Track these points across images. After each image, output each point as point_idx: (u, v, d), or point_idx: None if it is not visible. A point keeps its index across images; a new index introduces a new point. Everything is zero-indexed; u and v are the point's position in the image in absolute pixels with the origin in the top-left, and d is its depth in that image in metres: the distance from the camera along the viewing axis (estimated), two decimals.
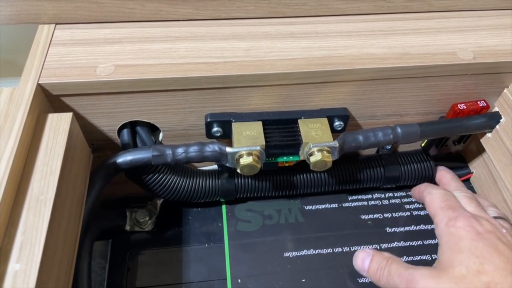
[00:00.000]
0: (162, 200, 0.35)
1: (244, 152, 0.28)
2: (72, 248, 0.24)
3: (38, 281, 0.19)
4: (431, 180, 0.35)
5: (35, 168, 0.23)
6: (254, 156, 0.28)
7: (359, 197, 0.36)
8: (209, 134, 0.30)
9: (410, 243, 0.33)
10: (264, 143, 0.28)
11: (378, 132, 0.29)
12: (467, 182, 0.37)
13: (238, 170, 0.28)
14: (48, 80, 0.26)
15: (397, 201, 0.36)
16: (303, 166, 0.33)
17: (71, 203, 0.24)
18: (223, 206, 0.35)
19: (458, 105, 0.31)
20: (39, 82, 0.26)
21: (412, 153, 0.35)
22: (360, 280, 0.31)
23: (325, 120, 0.30)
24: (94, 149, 0.31)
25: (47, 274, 0.20)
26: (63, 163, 0.23)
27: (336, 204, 0.35)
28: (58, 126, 0.25)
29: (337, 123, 0.31)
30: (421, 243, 0.33)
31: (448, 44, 0.30)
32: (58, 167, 0.23)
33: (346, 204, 0.35)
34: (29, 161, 0.23)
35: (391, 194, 0.36)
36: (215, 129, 0.30)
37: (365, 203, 0.36)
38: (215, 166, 0.34)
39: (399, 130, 0.29)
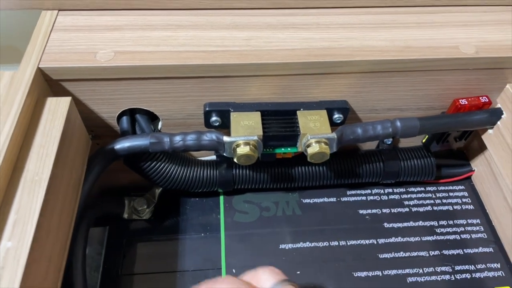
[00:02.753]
0: (160, 189, 0.35)
1: (241, 142, 0.28)
2: (66, 230, 0.24)
3: (29, 259, 0.19)
4: (431, 176, 0.35)
5: (32, 150, 0.23)
6: (251, 146, 0.28)
7: (358, 192, 0.36)
8: (208, 124, 0.31)
9: (408, 239, 0.33)
10: (261, 133, 0.28)
11: (377, 125, 0.29)
12: (468, 180, 0.37)
13: (235, 160, 0.28)
14: (48, 64, 0.26)
15: (396, 197, 0.35)
16: (302, 159, 0.33)
17: (67, 186, 0.24)
18: (221, 197, 0.35)
19: (460, 100, 0.31)
20: (40, 66, 0.26)
21: (412, 149, 0.35)
22: (356, 274, 0.31)
23: (324, 112, 0.30)
24: (93, 136, 0.31)
25: (39, 253, 0.20)
26: (59, 146, 0.23)
27: (334, 198, 0.35)
28: (56, 109, 0.25)
29: (336, 115, 0.31)
30: (419, 239, 0.33)
31: (451, 38, 0.30)
32: (54, 149, 0.23)
33: (345, 199, 0.35)
34: (26, 143, 0.23)
35: (390, 190, 0.36)
36: (213, 118, 0.30)
37: (364, 198, 0.35)
38: (213, 157, 0.34)
39: (398, 124, 0.29)
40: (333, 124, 0.31)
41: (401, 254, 0.32)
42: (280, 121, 0.30)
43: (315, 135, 0.28)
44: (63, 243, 0.23)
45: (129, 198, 0.34)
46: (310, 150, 0.28)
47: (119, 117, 0.31)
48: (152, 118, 0.32)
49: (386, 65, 0.28)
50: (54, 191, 0.22)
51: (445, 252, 0.32)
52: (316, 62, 0.27)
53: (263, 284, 0.23)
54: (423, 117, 0.30)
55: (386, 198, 0.35)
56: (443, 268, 0.31)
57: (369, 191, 0.36)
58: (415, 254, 0.32)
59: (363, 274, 0.31)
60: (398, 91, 0.31)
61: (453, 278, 0.31)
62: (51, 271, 0.21)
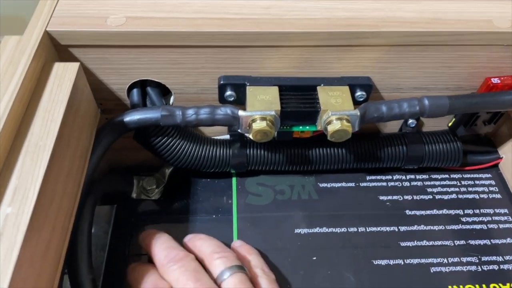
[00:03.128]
0: (171, 169, 0.33)
1: (257, 116, 0.26)
2: (71, 202, 0.23)
3: (30, 226, 0.18)
4: (457, 163, 0.33)
5: (37, 114, 0.21)
6: (268, 121, 0.26)
7: (378, 177, 0.34)
8: (222, 98, 0.29)
9: (432, 227, 0.31)
10: (279, 108, 0.27)
11: (403, 103, 0.27)
12: (495, 168, 0.35)
13: (250, 136, 0.27)
14: (56, 28, 0.25)
15: (419, 183, 0.33)
16: (320, 140, 0.31)
17: (73, 156, 0.23)
18: (233, 179, 0.33)
19: (492, 79, 0.29)
20: (47, 29, 0.24)
21: (438, 132, 0.33)
22: (376, 262, 0.29)
23: (346, 89, 0.28)
24: (103, 110, 0.30)
25: (40, 222, 0.19)
26: (66, 112, 0.22)
27: (353, 183, 0.33)
28: (64, 75, 0.24)
29: (359, 93, 0.29)
30: (443, 228, 0.31)
31: (484, 12, 0.28)
32: (60, 114, 0.21)
33: (364, 184, 0.33)
34: (31, 106, 0.22)
35: (412, 176, 0.34)
36: (228, 93, 0.28)
37: (384, 183, 0.33)
38: (227, 136, 0.33)
39: (426, 102, 0.27)
40: (354, 103, 0.29)
41: (424, 242, 0.30)
42: (299, 96, 0.28)
43: (336, 112, 0.27)
44: (68, 214, 0.22)
45: (138, 177, 0.33)
46: (330, 128, 0.27)
47: (129, 89, 0.29)
48: (164, 92, 0.30)
49: (415, 37, 0.26)
50: (59, 159, 0.21)
51: (471, 242, 0.30)
52: (340, 32, 0.26)
53: (213, 269, 0.24)
54: (453, 96, 0.28)
55: (408, 184, 0.33)
56: (468, 259, 0.29)
57: (389, 176, 0.34)
58: (439, 243, 0.30)
59: (384, 262, 0.29)
60: (427, 67, 0.29)
61: (480, 269, 0.29)
62: (54, 242, 0.20)
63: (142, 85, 0.29)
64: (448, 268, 0.29)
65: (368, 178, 0.34)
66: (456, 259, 0.29)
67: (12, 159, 0.20)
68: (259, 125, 0.26)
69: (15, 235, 0.17)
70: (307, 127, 0.29)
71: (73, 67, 0.24)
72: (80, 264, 0.23)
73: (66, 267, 0.23)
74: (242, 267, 0.25)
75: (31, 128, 0.21)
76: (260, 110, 0.26)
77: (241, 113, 0.27)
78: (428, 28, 0.26)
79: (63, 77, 0.23)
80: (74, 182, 0.23)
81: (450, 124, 0.33)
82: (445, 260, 0.29)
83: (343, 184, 0.33)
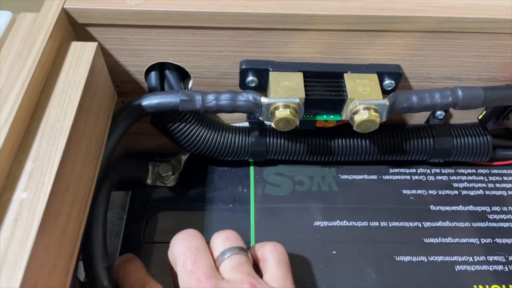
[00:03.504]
0: (187, 156, 0.32)
1: (280, 104, 0.25)
2: (87, 188, 0.22)
3: (46, 213, 0.17)
4: (486, 157, 0.31)
5: (53, 95, 0.21)
6: (291, 109, 0.25)
7: (402, 170, 0.32)
8: (243, 84, 0.28)
9: (457, 224, 0.30)
10: (304, 95, 0.25)
11: (435, 93, 0.26)
12: None
13: (272, 124, 0.26)
14: (74, 5, 0.24)
15: (445, 178, 0.32)
16: (342, 130, 0.30)
17: (89, 140, 0.22)
18: (251, 168, 0.32)
19: None
20: (64, 6, 0.23)
21: (467, 125, 0.31)
22: (398, 258, 0.28)
23: (374, 77, 0.27)
24: (119, 92, 0.29)
25: (57, 208, 0.18)
26: (83, 93, 0.21)
27: (376, 176, 0.32)
28: (81, 54, 0.22)
29: (387, 81, 0.27)
30: (469, 225, 0.30)
31: None
32: (77, 96, 0.20)
33: (387, 177, 0.32)
34: (47, 87, 0.21)
35: (437, 170, 0.32)
36: (250, 78, 0.27)
37: (408, 177, 0.32)
38: (245, 123, 0.31)
39: (460, 92, 0.26)
40: (382, 92, 0.27)
41: (449, 239, 0.29)
42: (324, 84, 0.27)
43: (364, 101, 0.25)
44: (84, 200, 0.21)
45: (154, 163, 0.32)
46: (357, 118, 0.25)
47: (147, 72, 0.28)
48: (183, 76, 0.29)
49: (451, 23, 0.25)
50: (76, 142, 0.20)
51: (498, 240, 0.29)
52: (373, 16, 0.24)
53: (214, 249, 0.23)
54: (488, 87, 0.26)
55: (433, 178, 0.32)
56: (495, 258, 0.28)
57: (414, 170, 0.32)
58: (464, 240, 0.29)
59: (406, 258, 0.28)
60: (461, 56, 0.27)
61: (507, 269, 0.28)
62: (69, 228, 0.19)
63: (160, 68, 0.28)
64: (474, 267, 0.28)
65: (391, 171, 0.32)
66: (482, 258, 0.28)
67: (27, 142, 0.19)
68: (282, 113, 0.25)
69: (30, 222, 0.16)
70: (332, 117, 0.27)
71: (91, 47, 0.23)
72: (95, 252, 0.23)
73: (81, 255, 0.23)
74: (242, 248, 0.23)
75: (47, 109, 0.20)
76: (284, 97, 0.25)
77: (263, 100, 0.25)
78: (465, 14, 0.25)
79: (80, 57, 0.22)
80: (90, 167, 0.22)
81: (480, 117, 0.31)
82: (471, 259, 0.28)
83: (365, 176, 0.32)
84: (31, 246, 0.16)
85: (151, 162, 0.32)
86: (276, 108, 0.25)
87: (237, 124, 0.31)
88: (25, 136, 0.19)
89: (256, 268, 0.23)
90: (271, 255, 0.24)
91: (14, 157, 0.18)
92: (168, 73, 0.28)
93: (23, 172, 0.18)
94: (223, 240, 0.23)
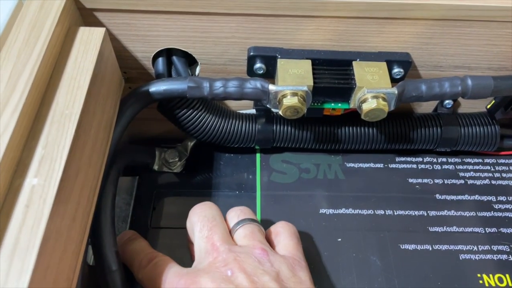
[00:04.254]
0: (193, 142, 0.32)
1: (288, 92, 0.25)
2: (96, 174, 0.22)
3: (57, 199, 0.17)
4: (493, 147, 0.31)
5: (62, 82, 0.20)
6: (299, 97, 0.25)
7: (408, 159, 0.32)
8: (251, 71, 0.28)
9: (462, 213, 0.30)
10: (312, 83, 0.25)
11: (444, 82, 0.26)
12: None
13: (280, 112, 0.25)
14: None
15: (451, 167, 0.32)
16: (349, 118, 0.30)
17: (98, 126, 0.22)
18: (258, 155, 0.32)
19: None
20: None
21: (475, 115, 0.31)
22: (403, 247, 0.28)
23: (383, 65, 0.26)
24: (127, 78, 0.29)
25: (67, 194, 0.18)
26: (91, 80, 0.21)
27: (382, 164, 0.32)
28: (90, 40, 0.22)
29: (396, 70, 0.27)
30: (475, 214, 0.30)
31: None
32: (86, 82, 0.20)
33: (393, 165, 0.32)
34: (55, 73, 0.21)
35: (444, 159, 0.32)
36: (257, 65, 0.27)
37: (414, 166, 0.32)
38: (252, 111, 0.31)
39: (469, 82, 0.26)
40: (391, 80, 0.27)
41: (454, 228, 0.29)
42: (332, 71, 0.26)
43: (372, 89, 0.25)
44: (93, 186, 0.21)
45: (160, 149, 0.32)
46: (365, 106, 0.25)
47: (154, 58, 0.28)
48: (190, 62, 0.29)
49: (462, 11, 0.24)
50: (85, 129, 0.20)
51: (503, 230, 0.29)
52: (383, 3, 0.24)
53: (229, 221, 0.25)
54: (498, 76, 0.26)
55: (439, 167, 0.32)
56: (500, 247, 0.28)
57: (420, 159, 0.32)
58: (469, 229, 0.29)
59: (411, 247, 0.28)
60: (471, 45, 0.27)
61: (511, 259, 0.28)
62: (79, 214, 0.20)
63: (167, 54, 0.28)
64: (478, 256, 0.28)
65: (397, 159, 0.32)
66: (486, 247, 0.28)
67: (37, 128, 0.19)
68: (290, 101, 0.25)
69: (42, 208, 0.17)
70: (340, 105, 0.27)
71: (99, 32, 0.23)
72: (104, 237, 0.23)
73: (90, 240, 0.23)
74: (255, 220, 0.25)
75: (56, 96, 0.20)
76: (292, 85, 0.25)
77: (271, 87, 0.25)
78: (477, 2, 0.24)
79: (88, 43, 0.22)
80: (99, 153, 0.22)
81: (488, 106, 0.31)
82: (475, 248, 0.28)
83: (371, 164, 0.32)
84: (42, 232, 0.16)
85: (158, 148, 0.32)
86: (284, 96, 0.25)
87: (244, 111, 0.31)
88: (34, 123, 0.19)
89: (270, 244, 0.24)
90: (283, 229, 0.25)
91: (25, 144, 0.18)
92: (176, 59, 0.28)
93: (33, 158, 0.18)
94: (237, 213, 0.25)
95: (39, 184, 0.17)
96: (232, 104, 0.31)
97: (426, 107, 0.32)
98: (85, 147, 0.20)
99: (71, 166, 0.19)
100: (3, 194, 0.17)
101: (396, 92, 0.25)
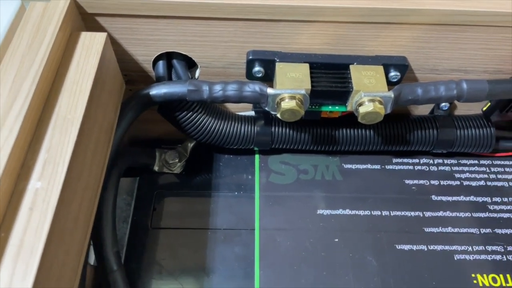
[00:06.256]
0: (193, 143, 0.33)
1: (286, 95, 0.25)
2: (98, 175, 0.23)
3: (60, 202, 0.17)
4: (488, 149, 0.32)
5: (64, 86, 0.21)
6: (297, 101, 0.25)
7: (405, 160, 0.33)
8: (250, 74, 0.28)
9: (458, 214, 0.30)
10: (309, 87, 0.26)
11: (440, 86, 0.26)
12: None
13: (278, 115, 0.26)
14: None
15: (447, 168, 0.33)
16: (347, 120, 0.30)
17: (99, 129, 0.23)
18: (256, 156, 0.33)
19: None
20: None
21: (471, 117, 0.32)
22: (398, 247, 0.29)
23: (380, 68, 0.27)
24: (127, 81, 0.29)
25: (70, 197, 0.19)
26: (93, 84, 0.21)
27: (379, 166, 0.33)
28: (91, 45, 0.23)
29: (393, 73, 0.28)
30: (470, 215, 0.30)
31: None
32: (88, 86, 0.21)
33: (390, 167, 0.32)
34: (58, 78, 0.21)
35: (440, 161, 0.33)
36: (256, 68, 0.27)
37: (411, 167, 0.33)
38: (251, 113, 0.32)
39: (464, 85, 0.26)
40: (388, 83, 0.28)
41: (449, 229, 0.29)
42: (330, 75, 0.27)
43: (369, 93, 0.26)
44: (95, 188, 0.22)
45: (160, 150, 0.33)
46: (362, 110, 0.26)
47: (155, 61, 0.28)
48: (190, 65, 0.29)
49: (459, 16, 0.25)
50: (87, 133, 0.21)
51: (498, 230, 0.30)
52: (380, 8, 0.24)
53: None
54: (492, 80, 0.26)
55: (436, 169, 0.32)
56: (494, 248, 0.29)
57: (417, 160, 0.33)
58: (464, 230, 0.29)
59: (407, 247, 0.29)
60: (467, 49, 0.27)
61: (505, 259, 0.28)
62: (81, 216, 0.20)
63: (168, 57, 0.28)
64: (473, 257, 0.28)
65: (394, 160, 0.33)
66: (481, 248, 0.29)
67: (40, 132, 0.19)
68: (288, 104, 0.25)
69: (45, 210, 0.17)
70: (337, 108, 0.28)
71: (101, 37, 0.23)
72: (105, 238, 0.23)
73: (92, 240, 0.23)
74: None
75: (59, 100, 0.20)
76: (290, 88, 0.26)
77: (269, 91, 0.26)
78: (475, 7, 0.25)
79: (90, 47, 0.23)
80: (100, 155, 0.23)
81: (484, 109, 0.32)
82: (470, 248, 0.29)
83: (368, 166, 0.32)
84: (46, 234, 0.17)
85: (158, 149, 0.33)
86: (282, 99, 0.25)
87: (243, 113, 0.32)
88: (38, 127, 0.19)
89: None
90: None
91: (28, 148, 0.19)
92: (176, 62, 0.28)
93: (37, 162, 0.18)
94: None
95: (43, 187, 0.18)
96: (231, 106, 0.32)
97: (422, 109, 0.32)
98: (87, 150, 0.21)
99: (73, 169, 0.19)
100: (7, 197, 0.17)
101: (393, 95, 0.25)
